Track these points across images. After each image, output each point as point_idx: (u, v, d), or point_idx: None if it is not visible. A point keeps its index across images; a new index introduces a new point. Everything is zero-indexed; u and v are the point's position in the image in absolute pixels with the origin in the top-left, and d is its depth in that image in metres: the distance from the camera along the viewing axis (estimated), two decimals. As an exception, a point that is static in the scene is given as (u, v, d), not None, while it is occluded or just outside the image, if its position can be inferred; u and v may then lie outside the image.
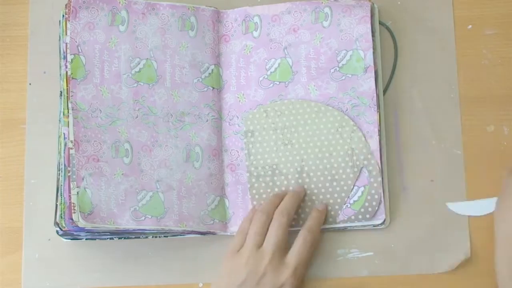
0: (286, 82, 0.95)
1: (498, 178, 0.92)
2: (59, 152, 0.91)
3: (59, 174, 0.91)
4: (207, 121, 0.96)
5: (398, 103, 0.96)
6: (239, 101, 0.97)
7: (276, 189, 0.93)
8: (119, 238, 0.95)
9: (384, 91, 0.96)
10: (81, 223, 0.87)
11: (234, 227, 0.94)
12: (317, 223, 0.91)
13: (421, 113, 0.96)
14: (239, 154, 0.96)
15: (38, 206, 0.95)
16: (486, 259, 0.94)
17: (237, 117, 0.96)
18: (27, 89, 0.99)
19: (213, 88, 0.97)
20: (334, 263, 0.94)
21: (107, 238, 0.95)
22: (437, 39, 0.98)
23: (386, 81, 0.96)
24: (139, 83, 0.94)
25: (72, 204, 0.87)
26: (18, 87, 0.99)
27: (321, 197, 0.91)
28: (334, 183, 0.92)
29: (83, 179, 0.88)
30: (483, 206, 0.93)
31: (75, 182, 0.88)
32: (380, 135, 0.92)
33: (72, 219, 0.87)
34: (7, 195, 0.97)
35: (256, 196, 0.93)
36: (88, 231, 0.90)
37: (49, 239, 0.95)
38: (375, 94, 0.92)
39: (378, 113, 0.92)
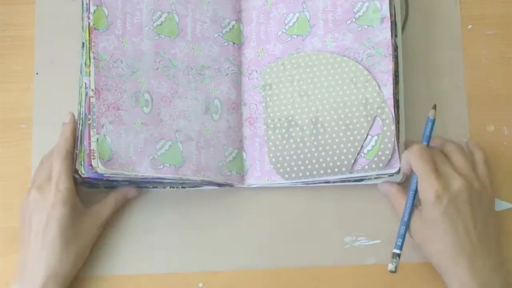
0: (304, 36, 0.96)
1: (499, 178, 0.94)
2: (80, 103, 0.92)
3: (79, 123, 0.92)
4: (226, 75, 0.97)
5: (405, 91, 0.96)
6: (259, 56, 0.98)
7: (292, 141, 0.94)
8: (136, 188, 0.96)
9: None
10: (101, 169, 0.88)
11: (251, 180, 0.95)
12: None
13: (427, 101, 0.97)
14: (258, 108, 0.97)
15: None
16: None
17: (256, 71, 0.98)
18: (34, 79, 1.00)
19: (234, 43, 0.99)
20: (342, 251, 0.94)
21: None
22: (444, 28, 1.00)
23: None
24: (160, 36, 0.95)
25: (92, 151, 0.89)
26: (18, 87, 1.00)
27: (335, 147, 0.92)
28: (348, 133, 0.92)
29: (103, 126, 0.90)
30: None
31: (95, 129, 0.90)
32: (394, 84, 0.92)
33: (91, 165, 0.89)
34: (8, 195, 0.98)
35: (273, 149, 0.94)
36: (106, 179, 0.91)
37: None
38: (390, 44, 0.92)
39: (393, 62, 0.92)
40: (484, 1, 1.00)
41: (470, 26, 0.99)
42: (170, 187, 0.96)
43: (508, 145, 0.96)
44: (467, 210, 0.85)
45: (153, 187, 0.96)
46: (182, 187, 0.96)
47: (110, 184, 0.95)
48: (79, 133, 0.91)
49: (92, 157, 0.89)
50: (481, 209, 0.86)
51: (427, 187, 0.85)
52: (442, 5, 1.01)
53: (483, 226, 0.86)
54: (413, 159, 0.87)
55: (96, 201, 0.94)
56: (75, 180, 0.92)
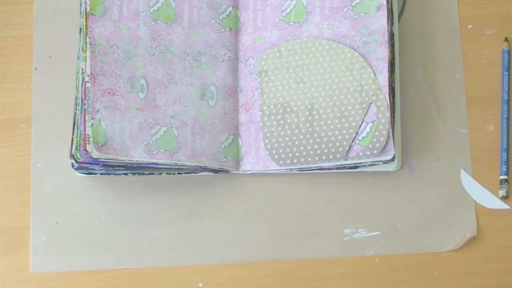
0: (301, 22, 0.96)
1: (499, 178, 0.94)
2: (77, 88, 0.93)
3: (76, 108, 0.92)
4: (223, 61, 0.97)
5: (403, 84, 0.97)
6: (255, 42, 0.98)
7: (287, 127, 0.94)
8: (133, 174, 0.96)
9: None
10: (95, 154, 0.89)
11: (246, 166, 0.95)
12: None
13: (426, 93, 0.97)
14: (254, 94, 0.97)
15: (45, 189, 0.96)
16: (492, 237, 0.94)
17: (253, 58, 0.98)
18: (33, 73, 1.00)
19: (230, 29, 0.98)
20: (341, 243, 0.94)
21: (122, 174, 0.96)
22: (442, 20, 0.99)
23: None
24: (157, 21, 0.95)
25: (86, 136, 0.89)
26: (18, 87, 1.00)
27: (330, 133, 0.92)
28: (343, 120, 0.92)
29: (98, 111, 0.90)
30: (489, 200, 0.94)
31: (90, 114, 0.90)
32: (389, 71, 0.92)
33: (86, 150, 0.89)
34: (8, 195, 0.97)
35: (268, 135, 0.94)
36: (102, 165, 0.92)
37: (56, 222, 0.96)
38: (386, 32, 0.92)
39: (388, 50, 0.92)
40: (484, 1, 1.00)
41: (470, 26, 0.99)
42: (166, 174, 0.96)
43: (508, 145, 0.96)
44: None
45: (149, 174, 0.96)
46: (178, 173, 0.96)
47: (106, 171, 0.95)
48: (75, 118, 0.91)
49: (87, 142, 0.89)
50: None
51: None
52: (440, 4, 1.00)
53: None
54: None
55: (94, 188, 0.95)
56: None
